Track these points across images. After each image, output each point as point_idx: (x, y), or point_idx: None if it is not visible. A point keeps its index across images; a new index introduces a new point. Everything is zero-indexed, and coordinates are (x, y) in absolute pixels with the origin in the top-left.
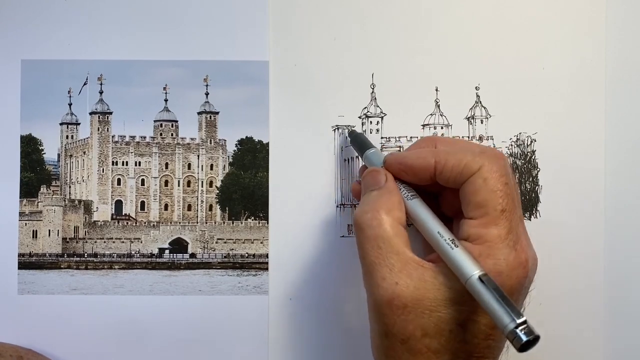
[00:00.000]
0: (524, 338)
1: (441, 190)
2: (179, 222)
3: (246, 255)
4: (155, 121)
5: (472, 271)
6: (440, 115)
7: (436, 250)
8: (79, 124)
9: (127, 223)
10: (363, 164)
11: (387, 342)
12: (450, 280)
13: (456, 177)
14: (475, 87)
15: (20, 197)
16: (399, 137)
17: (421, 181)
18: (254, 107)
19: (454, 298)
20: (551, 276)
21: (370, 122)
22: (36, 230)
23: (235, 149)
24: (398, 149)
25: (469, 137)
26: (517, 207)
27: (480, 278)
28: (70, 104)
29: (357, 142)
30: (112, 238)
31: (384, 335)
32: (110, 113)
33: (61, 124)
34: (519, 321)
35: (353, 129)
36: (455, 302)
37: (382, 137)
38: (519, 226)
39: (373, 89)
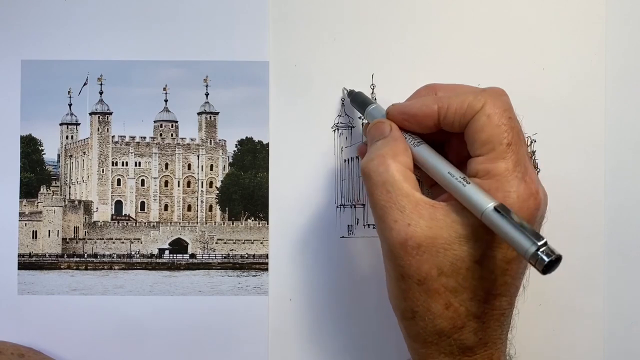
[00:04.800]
0: (546, 259)
1: (446, 138)
2: (179, 223)
3: (246, 255)
4: (155, 121)
5: (487, 203)
6: None
7: (448, 190)
8: (79, 124)
9: (127, 223)
10: (366, 122)
11: (404, 284)
12: (463, 217)
13: (460, 119)
14: None
15: (20, 198)
16: None
17: (425, 129)
18: (254, 107)
19: (468, 235)
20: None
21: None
22: (36, 231)
23: (235, 149)
24: None
25: None
26: (523, 142)
27: (495, 208)
28: (70, 104)
29: (358, 100)
30: (112, 238)
31: (400, 278)
32: (110, 113)
33: (61, 124)
34: (539, 243)
35: (352, 89)
36: (469, 239)
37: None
38: (526, 159)
39: (373, 89)
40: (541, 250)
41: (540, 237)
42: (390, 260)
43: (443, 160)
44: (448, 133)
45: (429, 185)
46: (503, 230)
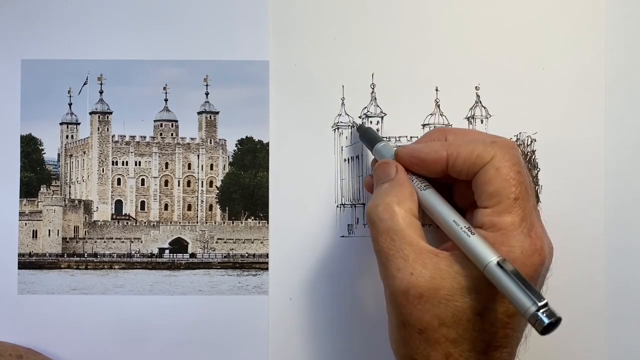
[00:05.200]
0: (546, 321)
1: (453, 182)
2: (179, 222)
3: (246, 255)
4: (155, 121)
5: (490, 257)
6: (440, 115)
7: (452, 239)
8: (79, 123)
9: (127, 223)
10: (374, 158)
11: (405, 332)
12: (466, 269)
13: (469, 168)
14: (475, 87)
15: (20, 197)
16: (399, 137)
17: (433, 174)
18: (254, 107)
19: (470, 286)
20: (551, 276)
21: (370, 122)
22: (36, 230)
23: (235, 148)
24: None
25: None
26: (531, 196)
27: (498, 263)
28: (70, 104)
29: (367, 136)
30: (112, 238)
31: (402, 326)
32: (110, 113)
33: (61, 123)
34: (540, 304)
35: (361, 123)
36: (472, 291)
37: (382, 137)
38: (533, 214)
39: (373, 88)
40: (542, 311)
41: (541, 298)
42: (392, 306)
43: (449, 207)
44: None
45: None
46: (504, 286)
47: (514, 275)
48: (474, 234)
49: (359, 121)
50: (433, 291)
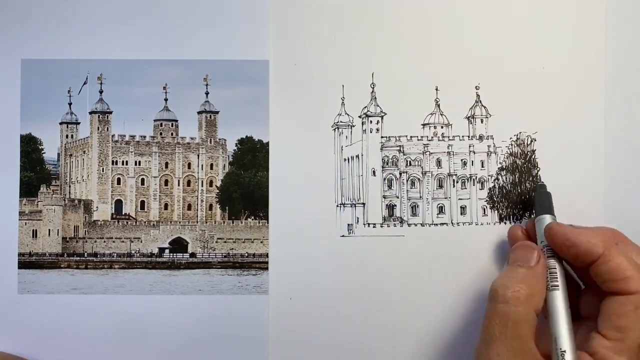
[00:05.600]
0: None
1: (587, 281)
2: (179, 222)
3: (246, 254)
4: (155, 121)
5: None
6: (440, 114)
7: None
8: (78, 123)
9: (127, 222)
10: (535, 221)
11: None
12: None
13: (607, 281)
14: (475, 87)
15: (20, 197)
16: (399, 137)
17: (577, 263)
18: (254, 107)
19: None
20: None
21: (370, 121)
22: (36, 230)
23: (235, 148)
24: (398, 148)
25: (469, 136)
26: None
27: None
28: (70, 104)
29: (541, 201)
30: (112, 237)
31: None
32: (110, 112)
33: (61, 123)
34: None
35: (542, 183)
36: None
37: (382, 137)
38: None
39: (373, 88)
40: None
41: None
42: None
43: (566, 319)
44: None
45: None
46: None
47: None
48: None
49: (358, 121)
50: None
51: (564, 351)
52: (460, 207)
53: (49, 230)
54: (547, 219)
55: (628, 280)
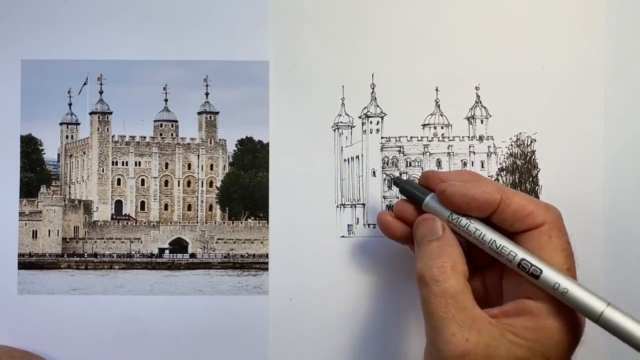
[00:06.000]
0: None
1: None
2: (179, 222)
3: (246, 255)
4: (155, 121)
5: (603, 304)
6: (440, 115)
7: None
8: (79, 124)
9: (127, 223)
10: (400, 198)
11: None
12: (519, 339)
13: (515, 222)
14: (475, 87)
15: (20, 197)
16: (399, 137)
17: (479, 216)
18: (254, 107)
19: (525, 357)
20: None
21: (370, 122)
22: (36, 230)
23: (235, 149)
24: (398, 148)
25: (469, 137)
26: (576, 272)
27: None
28: (70, 104)
29: (408, 190)
30: (112, 238)
31: None
32: (110, 113)
33: (61, 124)
34: None
35: (397, 176)
36: None
37: (382, 137)
38: None
39: (373, 89)
40: None
41: None
42: None
43: (502, 236)
44: None
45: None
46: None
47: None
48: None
49: (358, 121)
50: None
51: (523, 259)
52: None
53: (49, 230)
54: (431, 195)
55: (533, 215)
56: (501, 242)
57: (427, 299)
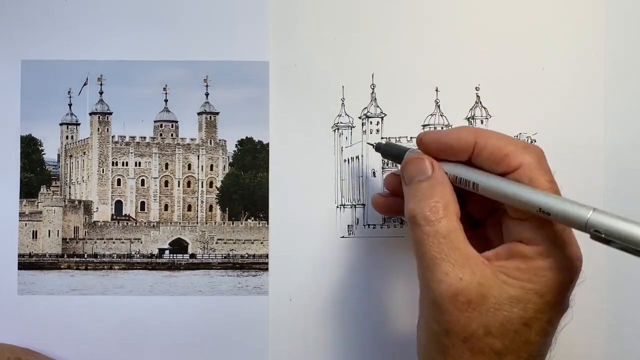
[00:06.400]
0: None
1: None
2: (179, 223)
3: (246, 255)
4: (155, 121)
5: (587, 210)
6: (440, 115)
7: (527, 206)
8: (79, 124)
9: (127, 223)
10: (390, 171)
11: (447, 341)
12: (512, 279)
13: (492, 164)
14: (475, 87)
15: (20, 198)
16: (399, 137)
17: (457, 159)
18: (254, 107)
19: (519, 296)
20: None
21: (370, 122)
22: (36, 231)
23: (236, 149)
24: None
25: None
26: None
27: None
28: (70, 104)
29: (392, 153)
30: (112, 238)
31: (444, 333)
32: (110, 113)
33: (61, 124)
34: None
35: (379, 142)
36: (520, 300)
37: (382, 137)
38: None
39: (373, 89)
40: None
41: None
42: (434, 313)
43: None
44: None
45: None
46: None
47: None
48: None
49: (358, 121)
50: (481, 298)
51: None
52: None
53: (49, 231)
54: (411, 149)
55: (509, 157)
56: (484, 182)
57: (419, 239)
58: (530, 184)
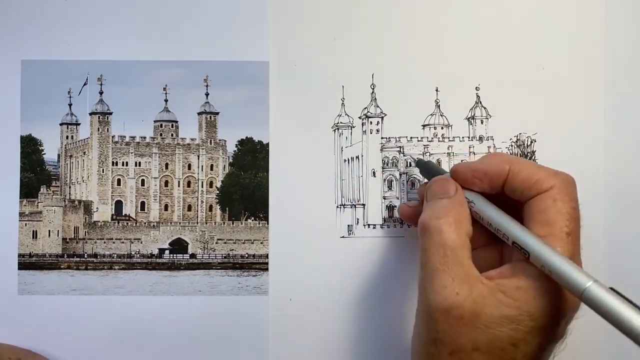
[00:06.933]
0: None
1: (501, 206)
2: (179, 223)
3: (246, 255)
4: (155, 121)
5: (588, 279)
6: (440, 115)
7: (535, 259)
8: (79, 124)
9: (127, 223)
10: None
11: (435, 350)
12: (508, 299)
13: (524, 190)
14: (475, 87)
15: (20, 198)
16: (399, 137)
17: (493, 189)
18: (254, 107)
19: (512, 316)
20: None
21: (370, 122)
22: (36, 231)
23: (236, 149)
24: (398, 149)
25: (469, 137)
26: (579, 236)
27: (612, 288)
28: (70, 104)
29: (427, 170)
30: (112, 238)
31: (432, 343)
32: (110, 113)
33: (61, 124)
34: None
35: (419, 157)
36: (512, 321)
37: (382, 137)
38: (579, 253)
39: (373, 89)
40: None
41: None
42: (426, 322)
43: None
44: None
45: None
46: (610, 306)
47: (618, 295)
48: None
49: (358, 121)
50: (474, 316)
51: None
52: None
53: (49, 231)
54: (446, 174)
55: (540, 182)
56: (498, 221)
57: (426, 248)
58: (553, 206)
